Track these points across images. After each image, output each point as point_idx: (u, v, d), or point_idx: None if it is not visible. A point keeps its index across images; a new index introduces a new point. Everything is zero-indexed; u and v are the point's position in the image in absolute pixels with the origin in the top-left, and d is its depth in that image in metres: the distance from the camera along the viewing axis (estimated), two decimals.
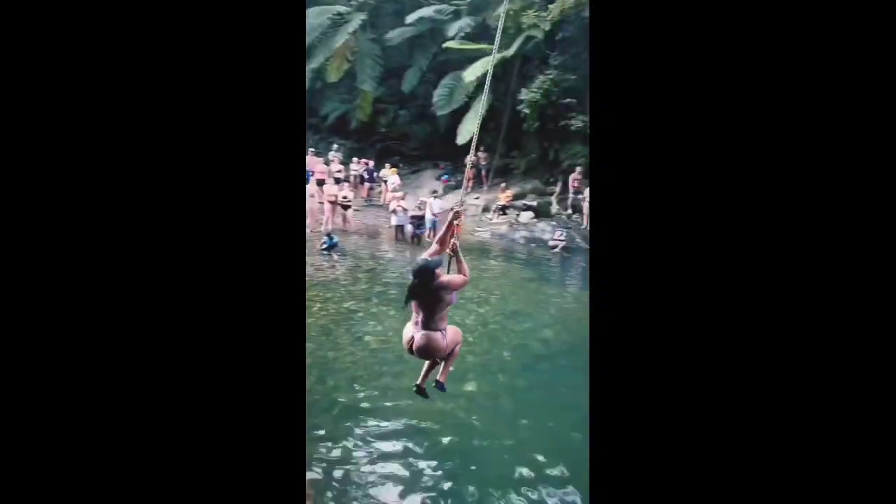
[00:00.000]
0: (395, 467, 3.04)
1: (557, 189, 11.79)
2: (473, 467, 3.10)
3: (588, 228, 10.61)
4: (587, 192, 10.57)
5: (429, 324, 2.10)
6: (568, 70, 11.18)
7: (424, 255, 2.18)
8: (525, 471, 3.06)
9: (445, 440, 3.36)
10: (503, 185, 11.79)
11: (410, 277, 2.06)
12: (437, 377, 2.37)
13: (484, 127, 12.40)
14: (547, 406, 3.88)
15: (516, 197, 11.64)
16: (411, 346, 2.14)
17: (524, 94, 11.23)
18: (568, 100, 11.12)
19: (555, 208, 11.43)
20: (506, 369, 4.51)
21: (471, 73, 11.58)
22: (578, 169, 10.96)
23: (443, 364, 2.32)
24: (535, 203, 11.41)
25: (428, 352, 2.14)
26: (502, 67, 12.20)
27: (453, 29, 12.64)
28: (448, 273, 2.22)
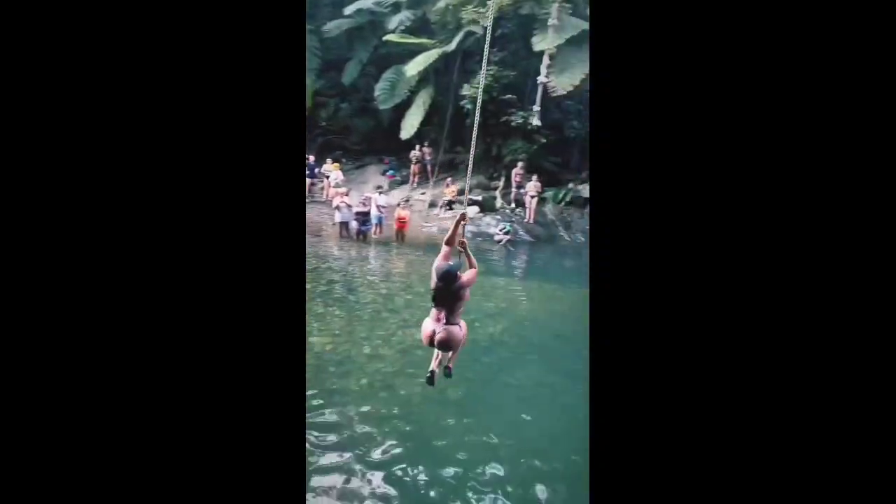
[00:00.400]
0: (335, 478, 2.97)
1: (501, 184, 12.06)
2: (419, 468, 3.11)
3: (530, 222, 10.97)
4: (529, 186, 10.90)
5: (450, 319, 2.35)
6: (507, 66, 11.43)
7: (439, 259, 2.41)
8: (477, 466, 3.12)
9: (397, 439, 3.34)
10: (449, 180, 11.87)
11: (435, 281, 2.34)
12: (447, 364, 2.62)
13: (428, 122, 12.41)
14: (495, 396, 3.97)
15: (461, 192, 11.77)
16: (431, 339, 2.38)
17: (466, 90, 11.34)
18: (508, 96, 11.36)
19: (499, 203, 11.70)
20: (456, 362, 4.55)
21: (413, 67, 11.49)
22: (520, 164, 11.27)
23: (451, 353, 2.57)
24: (480, 198, 11.61)
25: (448, 344, 2.40)
26: (444, 62, 12.23)
27: (393, 22, 12.47)
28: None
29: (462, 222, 2.50)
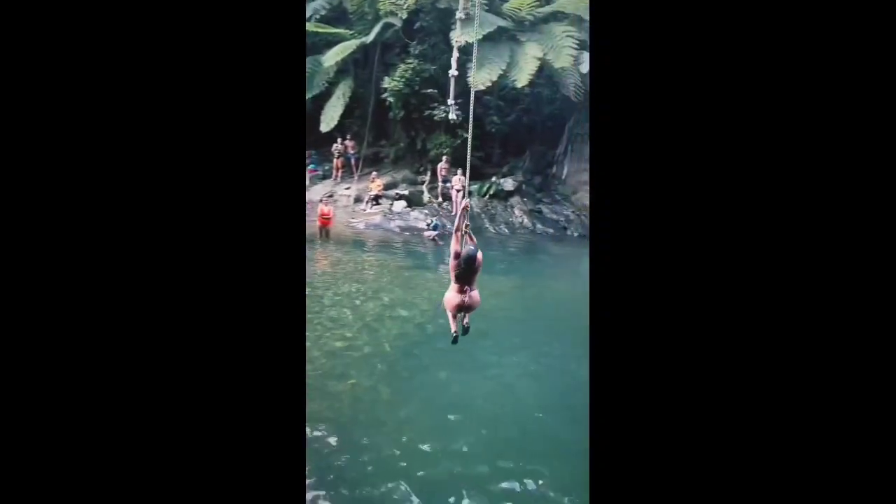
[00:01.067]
0: None
1: (427, 178, 12.10)
2: (365, 459, 3.05)
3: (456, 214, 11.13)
4: (454, 180, 11.06)
5: (471, 288, 3.04)
6: (427, 60, 11.43)
7: (454, 245, 3.04)
8: (411, 459, 3.12)
9: (332, 440, 3.23)
10: (374, 174, 11.66)
11: (457, 264, 2.97)
12: (465, 324, 3.21)
13: (349, 114, 12.04)
14: (428, 389, 4.00)
15: (387, 186, 11.62)
16: (460, 306, 3.05)
17: (387, 83, 11.17)
18: (429, 90, 11.39)
19: (426, 197, 11.74)
20: (386, 360, 4.51)
21: (330, 58, 11.06)
22: (444, 158, 11.39)
23: (466, 316, 3.20)
24: (406, 192, 11.55)
25: (472, 307, 3.09)
26: (363, 53, 11.92)
27: (309, 10, 11.88)
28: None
29: (465, 211, 3.10)
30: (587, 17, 10.18)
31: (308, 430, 3.32)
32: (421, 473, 3.00)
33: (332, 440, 3.26)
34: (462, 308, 3.10)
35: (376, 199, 11.27)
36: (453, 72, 5.01)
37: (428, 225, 9.82)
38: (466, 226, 3.10)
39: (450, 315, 3.16)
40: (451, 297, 3.07)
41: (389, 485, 2.88)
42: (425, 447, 3.24)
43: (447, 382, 4.12)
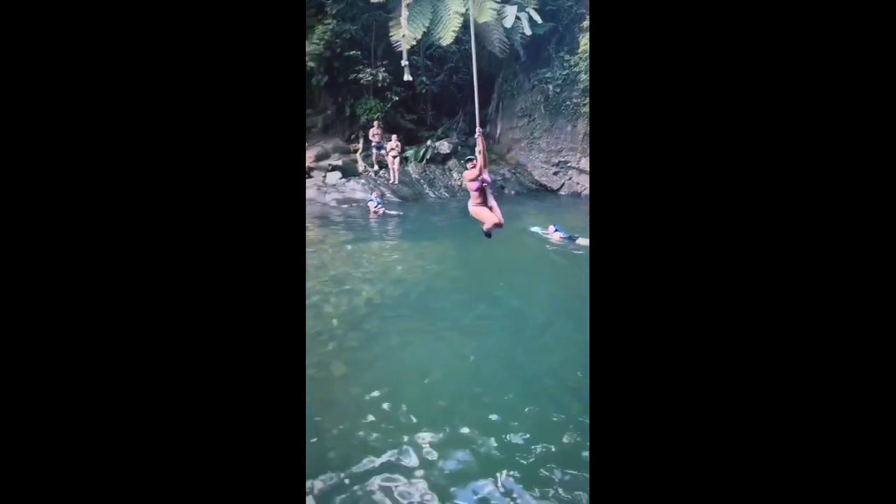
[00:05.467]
0: None
1: (360, 146, 11.68)
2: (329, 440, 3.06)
3: (395, 183, 10.94)
4: (389, 145, 10.77)
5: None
6: (346, 20, 10.76)
7: (485, 175, 4.25)
8: (367, 427, 3.18)
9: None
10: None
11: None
12: (487, 228, 4.38)
13: None
14: (379, 358, 4.04)
15: (319, 157, 11.10)
16: (497, 224, 4.31)
17: (307, 46, 10.41)
18: (353, 52, 10.80)
19: (361, 166, 11.37)
20: (335, 336, 4.47)
21: None
22: (376, 123, 11.01)
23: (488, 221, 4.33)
24: (340, 162, 11.11)
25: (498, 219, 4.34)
26: None
27: None
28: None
29: (480, 143, 4.09)
30: None
31: None
32: (384, 443, 3.07)
33: None
34: (497, 224, 4.27)
35: (308, 172, 10.75)
36: (405, 30, 5.69)
37: (371, 204, 9.44)
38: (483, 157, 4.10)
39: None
40: (486, 215, 4.28)
41: (356, 467, 2.93)
42: (382, 419, 3.31)
43: (400, 348, 4.18)
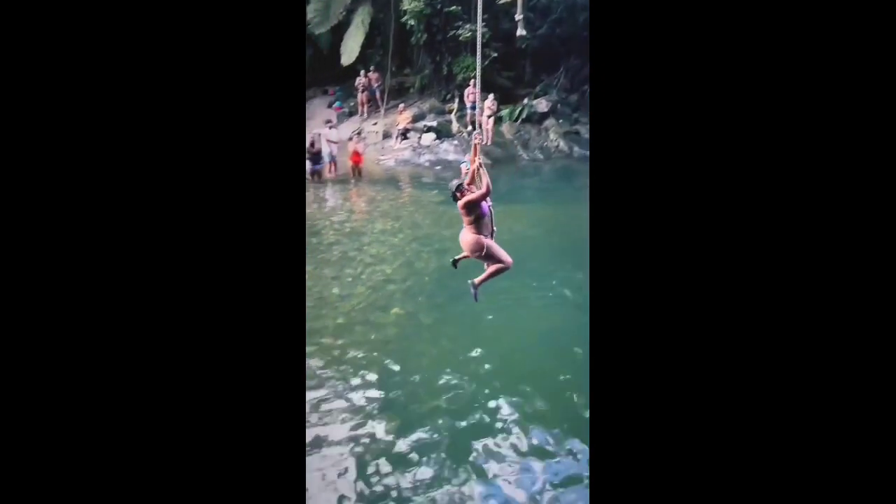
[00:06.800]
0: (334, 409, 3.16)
1: (455, 106, 11.61)
2: (415, 378, 3.34)
3: (487, 143, 10.77)
4: (485, 104, 10.56)
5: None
6: None
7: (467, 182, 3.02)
8: (454, 377, 3.37)
9: (393, 365, 3.53)
10: (401, 106, 11.30)
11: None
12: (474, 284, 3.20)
13: (370, 44, 11.46)
14: (466, 315, 4.19)
15: (415, 118, 11.30)
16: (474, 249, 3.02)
17: (406, 4, 10.41)
18: (453, 7, 10.56)
19: (455, 126, 11.36)
20: (425, 291, 4.71)
21: None
22: (472, 82, 10.80)
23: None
24: (435, 123, 11.20)
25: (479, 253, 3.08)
26: None
27: None
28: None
29: (478, 147, 3.07)
30: None
31: (355, 352, 3.62)
32: (454, 395, 3.25)
33: (377, 369, 3.56)
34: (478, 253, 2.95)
35: (405, 134, 11.04)
36: None
37: (464, 163, 9.49)
38: (480, 164, 2.97)
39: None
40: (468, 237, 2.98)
41: (432, 403, 3.15)
42: (456, 373, 3.48)
43: (485, 310, 4.29)
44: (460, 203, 2.90)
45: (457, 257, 3.28)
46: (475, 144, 3.07)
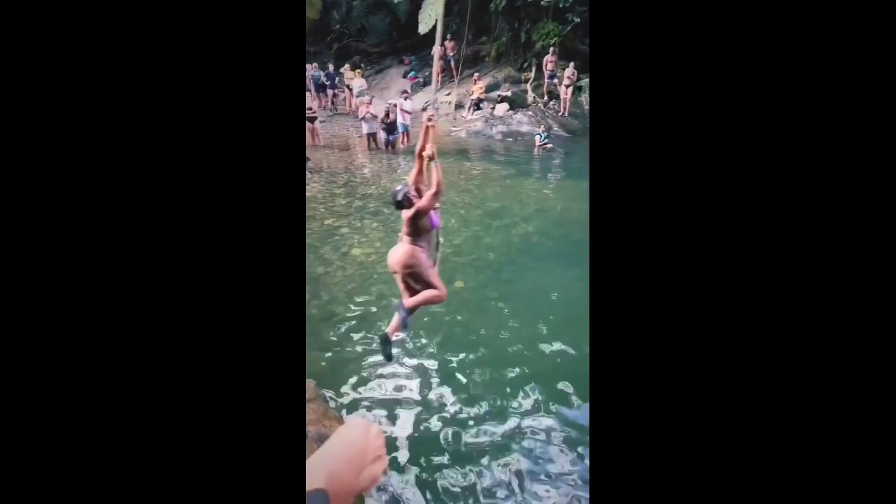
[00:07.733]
0: (396, 370, 3.35)
1: (532, 75, 11.16)
2: (477, 354, 3.43)
3: (564, 115, 10.26)
4: (564, 74, 10.03)
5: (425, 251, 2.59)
6: None
7: (411, 179, 2.55)
8: (520, 356, 3.40)
9: (441, 337, 3.65)
10: (475, 75, 11.09)
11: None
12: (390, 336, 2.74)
13: (448, 11, 11.25)
14: (531, 294, 4.16)
15: (489, 88, 11.04)
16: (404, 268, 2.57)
17: None
18: None
19: (530, 97, 10.95)
20: (491, 266, 4.73)
21: None
22: (552, 49, 10.26)
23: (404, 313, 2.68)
24: (509, 93, 10.86)
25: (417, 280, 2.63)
26: None
27: None
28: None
29: (430, 124, 2.46)
30: None
31: (414, 318, 3.77)
32: (514, 373, 3.28)
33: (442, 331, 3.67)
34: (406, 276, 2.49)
35: (478, 104, 10.85)
36: None
37: (538, 140, 9.17)
38: (431, 154, 2.40)
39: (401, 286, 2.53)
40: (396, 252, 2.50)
41: (489, 374, 3.22)
42: (521, 345, 3.49)
43: (549, 289, 4.23)
44: (409, 213, 2.42)
45: (388, 329, 2.62)
46: (428, 127, 2.47)
